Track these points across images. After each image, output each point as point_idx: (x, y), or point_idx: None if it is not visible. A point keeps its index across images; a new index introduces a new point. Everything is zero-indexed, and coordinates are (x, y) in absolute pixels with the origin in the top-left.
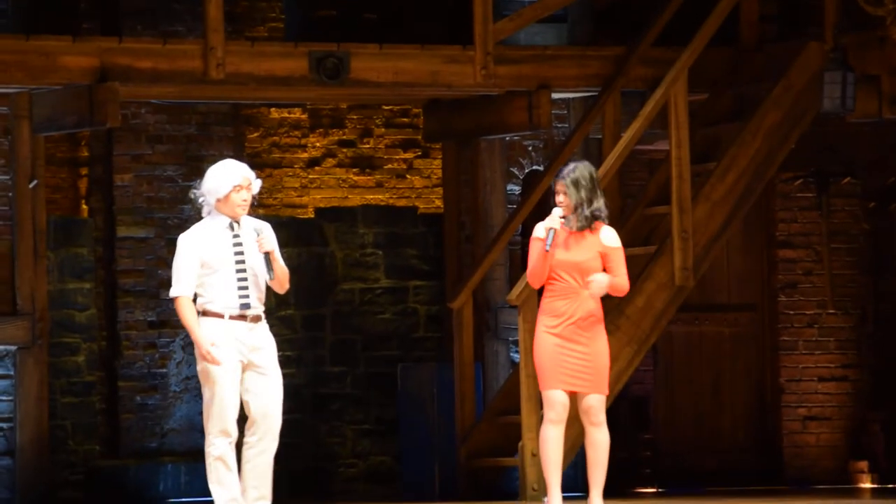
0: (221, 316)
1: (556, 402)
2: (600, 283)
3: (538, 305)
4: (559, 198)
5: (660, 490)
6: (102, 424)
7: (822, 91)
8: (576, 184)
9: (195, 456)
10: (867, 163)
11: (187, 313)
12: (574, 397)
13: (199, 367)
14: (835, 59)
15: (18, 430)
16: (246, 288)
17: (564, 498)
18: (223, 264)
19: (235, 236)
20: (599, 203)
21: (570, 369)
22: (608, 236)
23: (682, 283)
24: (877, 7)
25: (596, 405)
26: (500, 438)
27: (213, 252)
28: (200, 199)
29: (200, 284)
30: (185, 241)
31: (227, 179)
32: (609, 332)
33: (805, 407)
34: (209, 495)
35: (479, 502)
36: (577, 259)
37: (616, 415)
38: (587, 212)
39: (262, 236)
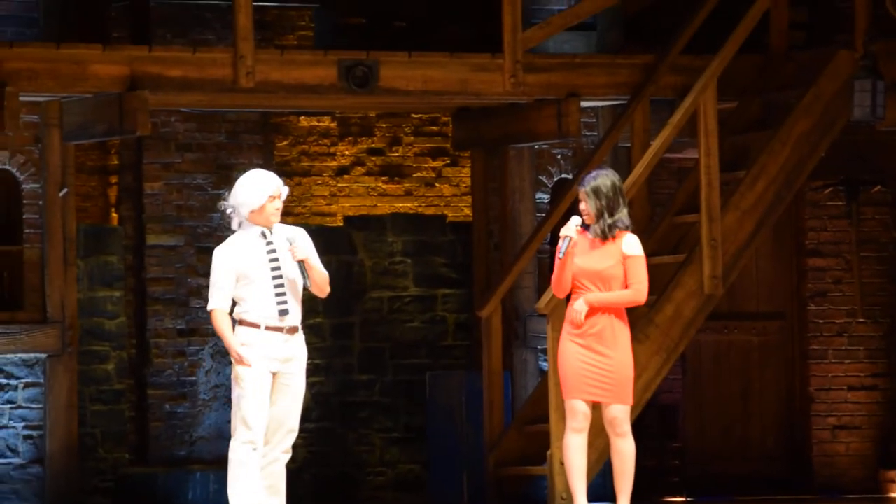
0: (258, 326)
1: (577, 412)
2: (579, 311)
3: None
4: (581, 205)
5: (688, 499)
6: (132, 432)
7: (852, 99)
8: (596, 192)
9: (224, 464)
10: None
11: (222, 324)
12: (598, 407)
13: (232, 374)
14: (865, 67)
15: (48, 438)
16: (284, 295)
17: None
18: (259, 274)
19: (269, 244)
20: (622, 213)
21: (592, 379)
22: (629, 244)
23: (711, 291)
24: None
25: (620, 416)
26: (528, 447)
27: (249, 263)
28: (229, 211)
29: (238, 295)
30: (220, 254)
31: (263, 190)
32: (638, 340)
33: (835, 416)
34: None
35: None
36: (598, 267)
37: (644, 423)
38: (609, 220)
39: (294, 245)
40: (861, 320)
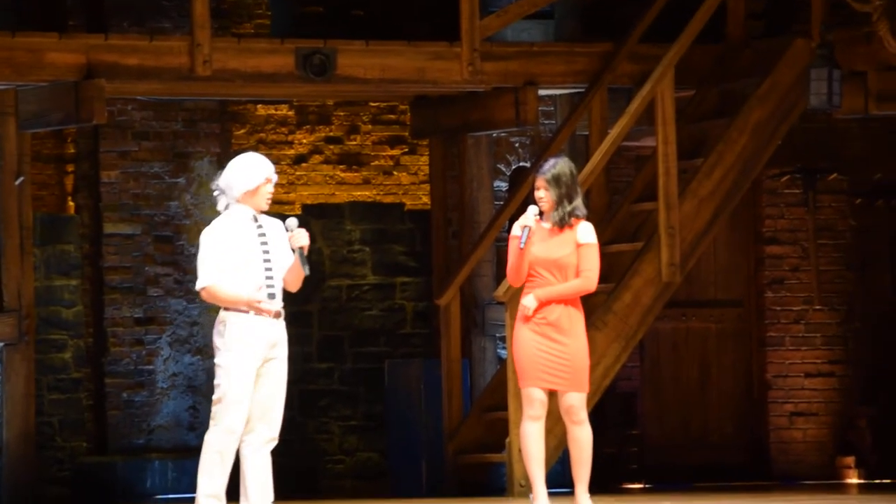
0: (246, 311)
1: (534, 400)
2: (529, 307)
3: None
4: (539, 193)
5: (647, 486)
6: (89, 421)
7: (809, 88)
8: (556, 180)
9: (182, 452)
10: (854, 159)
11: (222, 292)
12: (556, 395)
13: (217, 360)
14: (821, 56)
15: (5, 427)
16: (272, 279)
17: (552, 494)
18: (250, 256)
19: (259, 227)
20: (578, 201)
21: (548, 367)
22: (584, 232)
23: (669, 279)
24: (863, 3)
25: (576, 404)
26: (487, 434)
27: (240, 243)
28: (217, 193)
29: (228, 278)
30: (209, 233)
31: (259, 172)
32: (596, 328)
33: (792, 403)
34: (195, 491)
35: (466, 498)
36: (555, 255)
37: (603, 411)
38: (567, 208)
39: (294, 232)
40: (818, 307)
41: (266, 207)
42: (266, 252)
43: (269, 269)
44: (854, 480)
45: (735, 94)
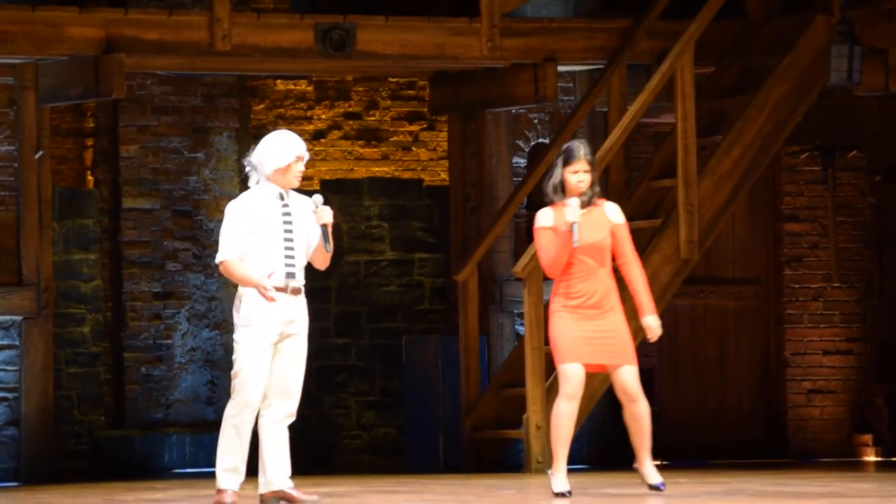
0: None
1: (572, 377)
2: (657, 328)
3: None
4: (579, 176)
5: (664, 462)
6: (107, 395)
7: (829, 64)
8: (593, 161)
9: (200, 427)
10: (873, 136)
11: (237, 270)
12: (596, 375)
13: (235, 336)
14: (842, 33)
15: (24, 401)
16: (292, 258)
17: (570, 471)
18: (272, 233)
19: (285, 205)
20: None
21: (593, 345)
22: (614, 213)
23: (687, 256)
24: None
25: (629, 378)
26: (504, 411)
27: (263, 220)
28: (249, 168)
29: (247, 253)
30: (234, 207)
31: (292, 149)
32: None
33: (809, 380)
34: (214, 465)
35: (483, 474)
36: (594, 239)
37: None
38: (597, 188)
39: (319, 208)
40: (836, 285)
41: (296, 185)
42: (289, 231)
43: (289, 248)
44: (871, 458)
45: (755, 71)
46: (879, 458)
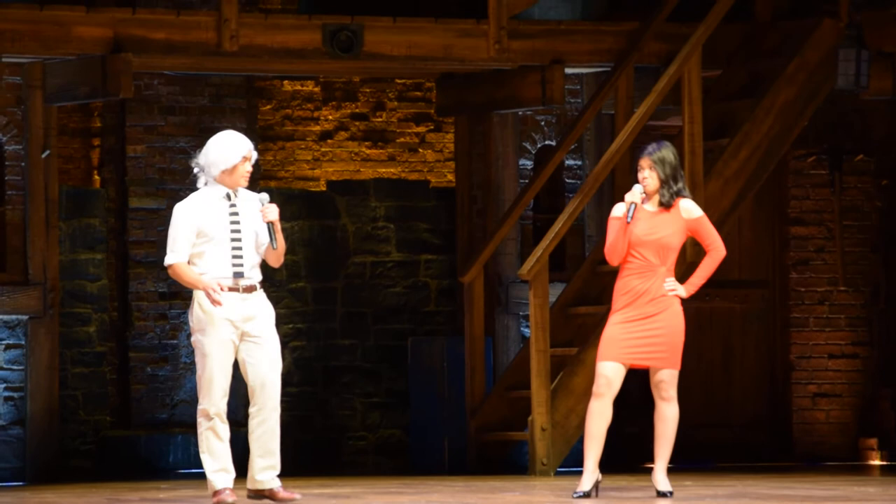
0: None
1: (600, 375)
2: (681, 292)
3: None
4: (644, 173)
5: (669, 465)
6: (113, 395)
7: (837, 68)
8: (662, 161)
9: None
10: (880, 140)
11: (186, 273)
12: (642, 372)
13: (192, 339)
14: (850, 36)
15: (29, 400)
16: (240, 257)
17: (574, 473)
18: (219, 233)
19: (232, 206)
20: (682, 183)
21: (639, 344)
22: (688, 208)
23: (693, 259)
24: None
25: (667, 379)
26: (510, 413)
27: (210, 221)
28: (197, 170)
29: (196, 255)
30: (180, 209)
31: (237, 150)
32: None
33: (815, 384)
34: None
35: (488, 476)
36: (658, 235)
37: (627, 390)
38: (674, 188)
39: (266, 206)
40: (842, 289)
41: (244, 185)
42: (236, 231)
43: (237, 248)
44: (877, 462)
45: (762, 74)
46: (885, 462)
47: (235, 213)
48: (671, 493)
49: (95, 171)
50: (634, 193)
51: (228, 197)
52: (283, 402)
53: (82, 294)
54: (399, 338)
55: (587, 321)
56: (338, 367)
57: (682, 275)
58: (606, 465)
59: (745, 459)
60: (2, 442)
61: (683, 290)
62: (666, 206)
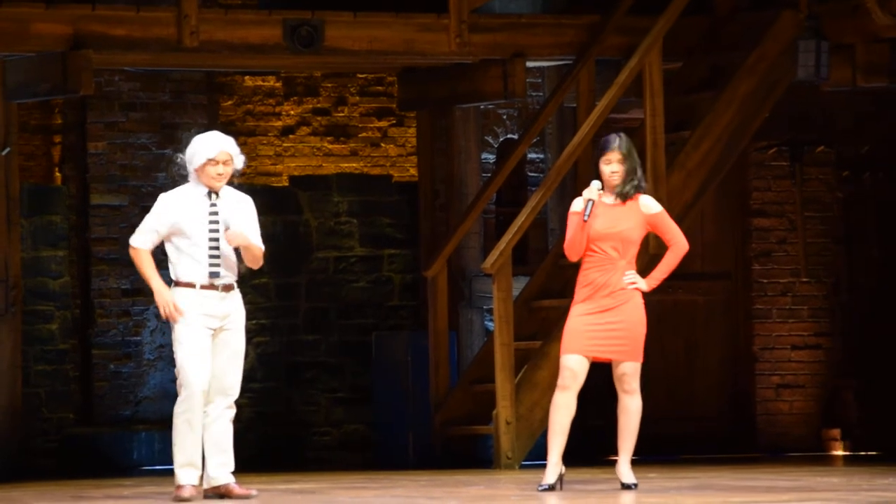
0: (193, 286)
1: (564, 368)
2: (640, 284)
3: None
4: (612, 167)
5: (634, 457)
6: (76, 392)
7: (797, 60)
8: (630, 153)
9: (169, 424)
10: (841, 132)
11: (146, 263)
12: (605, 366)
13: (173, 334)
14: (809, 28)
15: None
16: (217, 257)
17: (538, 466)
18: (196, 231)
19: (213, 205)
20: (642, 173)
21: (600, 337)
22: (647, 204)
23: (655, 251)
24: None
25: (629, 372)
26: (474, 407)
27: (188, 217)
28: (178, 166)
29: (172, 253)
30: (163, 199)
31: (203, 152)
32: None
33: (778, 375)
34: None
35: (453, 470)
36: (619, 228)
37: (590, 382)
38: (635, 181)
39: (229, 231)
40: (805, 280)
41: (216, 186)
42: (214, 230)
43: (214, 248)
44: (840, 452)
45: (723, 67)
46: (848, 453)
47: (215, 213)
48: (636, 485)
49: (56, 168)
50: (592, 190)
51: (209, 196)
52: (247, 397)
53: (45, 291)
54: (363, 333)
55: (551, 314)
56: (301, 362)
57: (645, 267)
58: (570, 458)
59: (709, 451)
60: None
61: (644, 284)
62: (625, 198)
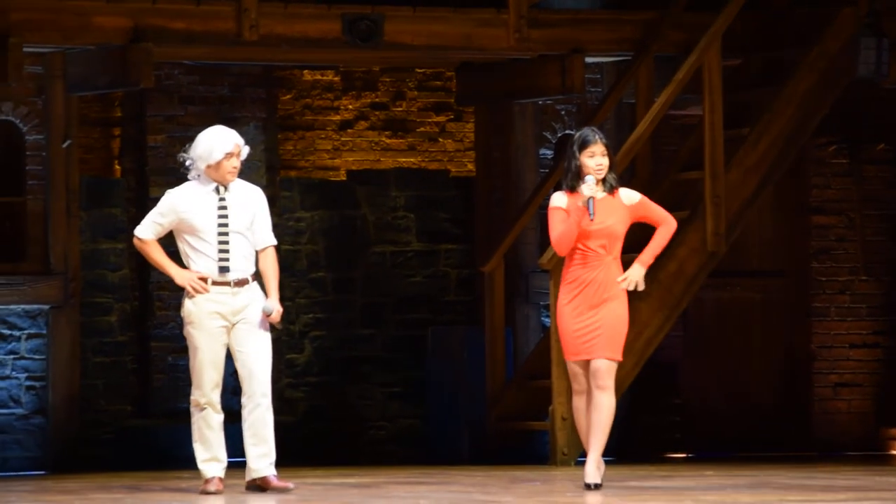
0: (205, 280)
1: (576, 373)
2: (635, 277)
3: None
4: (598, 160)
5: (689, 455)
6: (133, 384)
7: (857, 57)
8: (609, 146)
9: (225, 417)
10: None
11: (154, 251)
12: (622, 366)
13: (184, 331)
14: (869, 25)
15: (50, 390)
16: (227, 252)
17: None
18: (205, 227)
19: (221, 199)
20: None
21: (583, 336)
22: (628, 195)
23: (714, 248)
24: None
25: (602, 368)
26: (530, 403)
27: (196, 213)
28: (189, 163)
29: (184, 249)
30: (171, 194)
31: (220, 147)
32: (640, 297)
33: (836, 373)
34: (239, 456)
35: (508, 466)
36: (604, 225)
37: (646, 380)
38: (614, 174)
39: (271, 316)
40: (863, 278)
41: (231, 180)
42: (223, 225)
43: (224, 243)
44: None
45: (782, 63)
46: None
47: (224, 208)
48: (599, 485)
49: (116, 161)
50: (592, 187)
51: (217, 191)
52: (302, 391)
53: (103, 284)
54: (419, 327)
55: None
56: (357, 356)
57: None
58: (623, 456)
59: (766, 449)
60: (23, 431)
61: (638, 273)
62: (610, 190)
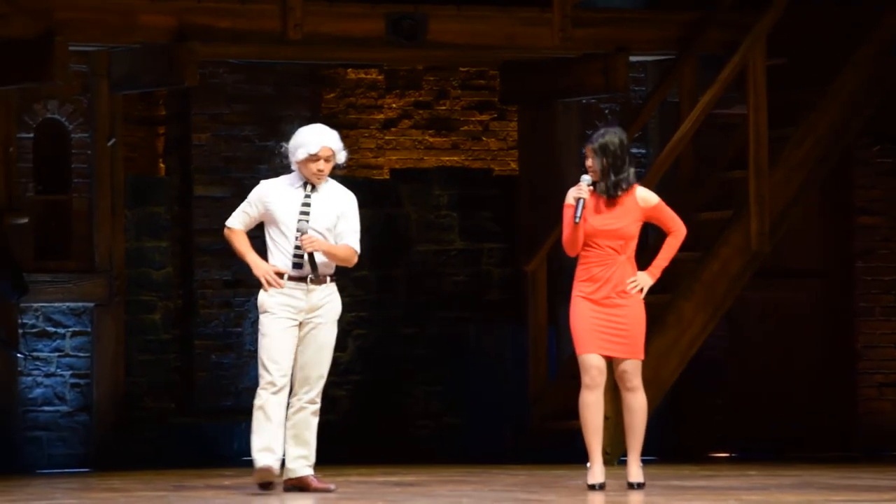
0: (282, 274)
1: (590, 367)
2: (643, 283)
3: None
4: (588, 162)
5: (733, 455)
6: (177, 382)
7: None
8: (603, 149)
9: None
10: None
11: (239, 241)
12: (610, 363)
13: (259, 325)
14: None
15: (95, 387)
16: (300, 247)
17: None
18: (287, 220)
19: (307, 196)
20: (627, 171)
21: (605, 334)
22: (644, 196)
23: (758, 248)
24: None
25: (630, 370)
26: (572, 401)
27: (281, 205)
28: (282, 156)
29: (271, 242)
30: (261, 186)
31: (305, 147)
32: (684, 297)
33: (882, 373)
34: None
35: (550, 465)
36: (615, 226)
37: (690, 379)
38: (613, 179)
39: (304, 237)
40: None
41: (315, 181)
42: (304, 222)
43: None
44: None
45: (826, 62)
46: None
47: (307, 205)
48: (642, 484)
49: (160, 160)
50: (583, 189)
51: (305, 187)
52: (344, 389)
53: (147, 282)
54: (461, 326)
55: (651, 310)
56: (399, 355)
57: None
58: (669, 455)
59: (810, 449)
60: (68, 428)
61: (648, 279)
62: (607, 195)
